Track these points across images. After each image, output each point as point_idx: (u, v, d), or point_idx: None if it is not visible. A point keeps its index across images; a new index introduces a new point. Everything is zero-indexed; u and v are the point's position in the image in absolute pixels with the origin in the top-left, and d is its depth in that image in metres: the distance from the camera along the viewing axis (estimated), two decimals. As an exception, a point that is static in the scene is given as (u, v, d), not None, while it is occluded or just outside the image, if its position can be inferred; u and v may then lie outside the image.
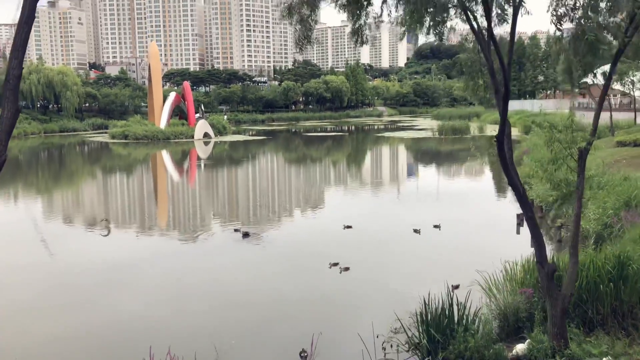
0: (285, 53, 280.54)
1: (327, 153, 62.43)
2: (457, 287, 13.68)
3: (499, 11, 8.37)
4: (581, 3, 7.70)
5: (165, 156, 59.46)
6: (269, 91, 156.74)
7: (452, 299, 10.68)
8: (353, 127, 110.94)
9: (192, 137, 75.20)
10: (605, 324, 10.54)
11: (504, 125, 9.09)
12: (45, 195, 35.40)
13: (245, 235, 21.42)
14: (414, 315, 11.09)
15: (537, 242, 9.64)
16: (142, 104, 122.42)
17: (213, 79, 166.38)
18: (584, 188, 9.91)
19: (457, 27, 9.32)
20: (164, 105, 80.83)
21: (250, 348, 11.98)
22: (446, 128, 75.83)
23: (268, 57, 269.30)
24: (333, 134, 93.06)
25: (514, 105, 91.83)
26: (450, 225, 22.24)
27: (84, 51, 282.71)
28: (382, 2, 9.16)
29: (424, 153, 59.62)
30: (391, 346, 11.12)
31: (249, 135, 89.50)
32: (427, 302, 10.70)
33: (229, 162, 53.14)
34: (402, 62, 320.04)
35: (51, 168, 52.54)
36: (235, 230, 22.36)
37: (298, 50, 9.86)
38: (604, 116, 37.55)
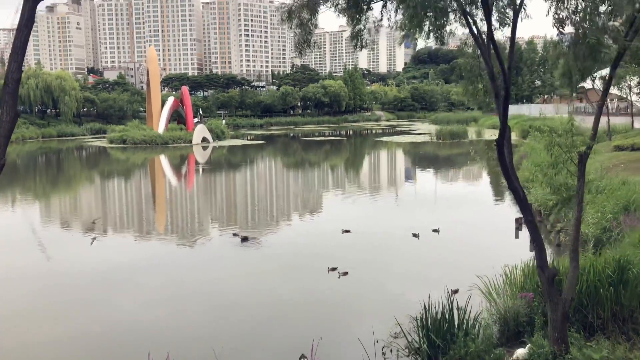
0: (284, 58, 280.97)
1: (325, 157, 62.43)
2: (456, 291, 13.63)
3: (499, 15, 8.37)
4: (582, 7, 7.70)
5: (164, 161, 59.39)
6: (267, 96, 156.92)
7: (452, 303, 10.64)
8: (351, 132, 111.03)
9: (191, 141, 75.18)
10: (605, 329, 10.50)
11: (504, 129, 9.07)
12: (43, 200, 35.29)
13: (244, 239, 21.37)
14: (413, 319, 11.05)
15: (538, 246, 9.60)
16: (141, 109, 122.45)
17: (211, 84, 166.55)
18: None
19: (457, 32, 9.33)
20: (162, 109, 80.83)
21: (250, 353, 11.92)
22: (444, 132, 75.88)
23: (266, 61, 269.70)
24: (331, 138, 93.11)
25: (511, 109, 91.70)
26: (449, 229, 22.22)
27: (82, 56, 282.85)
28: (382, 7, 9.16)
29: (422, 157, 59.65)
30: (391, 351, 11.08)
31: (247, 139, 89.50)
32: (427, 307, 10.66)
33: (227, 167, 53.10)
34: (399, 66, 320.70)
35: (49, 173, 52.43)
36: (234, 234, 22.31)
37: (298, 54, 9.84)
38: (601, 120, 37.67)
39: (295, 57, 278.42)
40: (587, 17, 7.57)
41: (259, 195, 35.32)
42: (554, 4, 8.20)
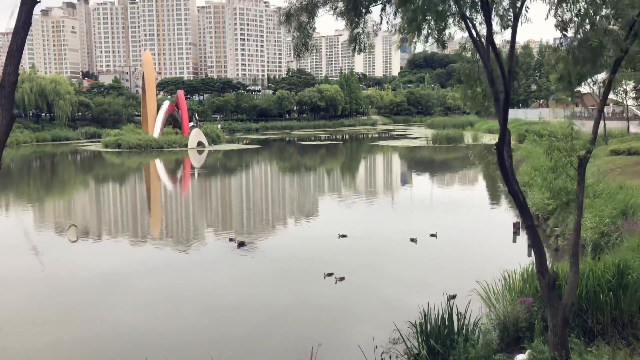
0: (279, 62, 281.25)
1: (321, 162, 62.39)
2: (454, 296, 13.58)
3: (499, 19, 8.34)
4: (584, 9, 7.67)
5: (159, 165, 59.20)
6: (263, 100, 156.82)
7: (451, 308, 10.57)
8: (347, 136, 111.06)
9: (186, 145, 74.99)
10: (605, 334, 10.46)
11: (504, 133, 9.03)
12: (36, 205, 35.06)
13: (241, 244, 21.25)
14: (413, 325, 10.97)
15: (538, 251, 9.54)
16: (136, 113, 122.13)
17: (207, 88, 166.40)
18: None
19: (455, 35, 9.29)
20: (157, 114, 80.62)
21: (248, 359, 11.81)
22: (440, 137, 76.00)
23: (262, 65, 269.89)
24: (327, 142, 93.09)
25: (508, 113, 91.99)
26: (446, 234, 22.16)
27: (77, 60, 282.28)
28: (381, 10, 9.10)
29: (419, 161, 59.69)
30: (390, 357, 11.00)
31: (243, 144, 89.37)
32: (426, 312, 10.59)
33: (222, 171, 52.97)
34: (395, 71, 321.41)
35: (43, 177, 52.16)
36: (230, 239, 22.18)
37: (296, 57, 9.80)
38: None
39: (291, 61, 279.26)
40: (589, 20, 7.54)
41: (254, 200, 35.22)
42: (553, 7, 8.18)
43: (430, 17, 8.67)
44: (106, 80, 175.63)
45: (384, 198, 34.90)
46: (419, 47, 9.85)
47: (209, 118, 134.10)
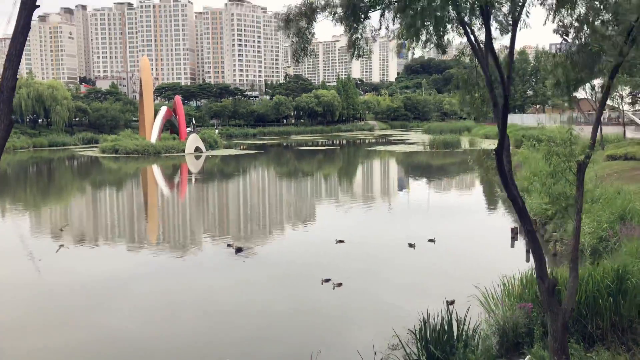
0: (277, 67, 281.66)
1: (318, 167, 62.38)
2: (452, 302, 13.55)
3: (498, 25, 8.34)
4: (584, 14, 7.67)
5: (156, 170, 59.11)
6: (261, 105, 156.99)
7: (450, 314, 10.54)
8: (344, 141, 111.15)
9: (183, 151, 74.93)
10: (605, 339, 10.44)
11: (504, 138, 9.02)
12: (33, 210, 34.94)
13: (239, 250, 21.19)
14: (411, 331, 10.93)
15: (537, 256, 9.51)
16: (133, 118, 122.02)
17: (204, 93, 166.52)
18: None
19: (454, 41, 9.30)
20: (155, 119, 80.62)
21: (245, 366, 11.75)
22: (437, 142, 76.07)
23: (259, 71, 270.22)
24: (324, 148, 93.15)
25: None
26: (444, 239, 22.15)
27: (75, 65, 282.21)
28: (380, 16, 9.11)
29: (416, 167, 59.72)
30: (389, 363, 10.95)
31: (240, 149, 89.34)
32: (425, 318, 10.55)
33: (220, 177, 52.89)
34: (392, 76, 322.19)
35: (40, 182, 52.00)
36: (228, 245, 22.11)
37: (294, 62, 9.80)
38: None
39: (288, 67, 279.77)
40: (589, 25, 7.54)
41: (252, 205, 35.15)
42: (552, 12, 8.18)
43: (429, 23, 8.69)
44: (103, 85, 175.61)
45: (382, 203, 34.87)
46: (418, 53, 9.84)
47: (207, 123, 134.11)
